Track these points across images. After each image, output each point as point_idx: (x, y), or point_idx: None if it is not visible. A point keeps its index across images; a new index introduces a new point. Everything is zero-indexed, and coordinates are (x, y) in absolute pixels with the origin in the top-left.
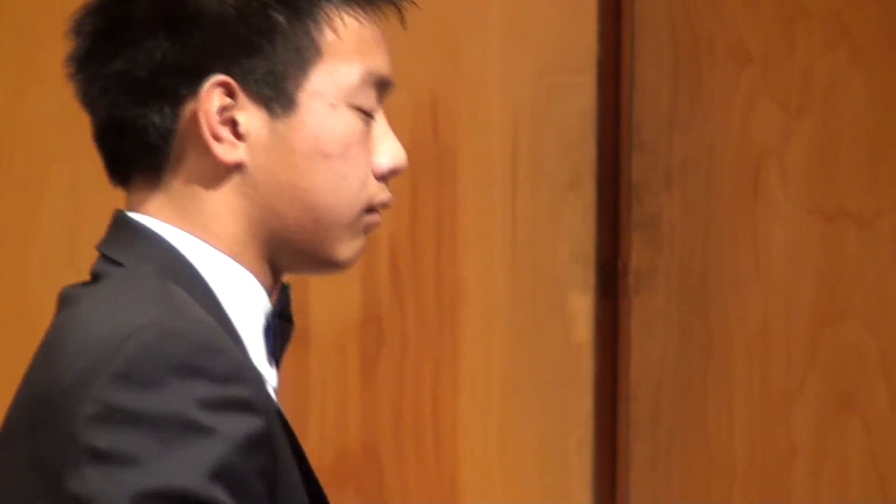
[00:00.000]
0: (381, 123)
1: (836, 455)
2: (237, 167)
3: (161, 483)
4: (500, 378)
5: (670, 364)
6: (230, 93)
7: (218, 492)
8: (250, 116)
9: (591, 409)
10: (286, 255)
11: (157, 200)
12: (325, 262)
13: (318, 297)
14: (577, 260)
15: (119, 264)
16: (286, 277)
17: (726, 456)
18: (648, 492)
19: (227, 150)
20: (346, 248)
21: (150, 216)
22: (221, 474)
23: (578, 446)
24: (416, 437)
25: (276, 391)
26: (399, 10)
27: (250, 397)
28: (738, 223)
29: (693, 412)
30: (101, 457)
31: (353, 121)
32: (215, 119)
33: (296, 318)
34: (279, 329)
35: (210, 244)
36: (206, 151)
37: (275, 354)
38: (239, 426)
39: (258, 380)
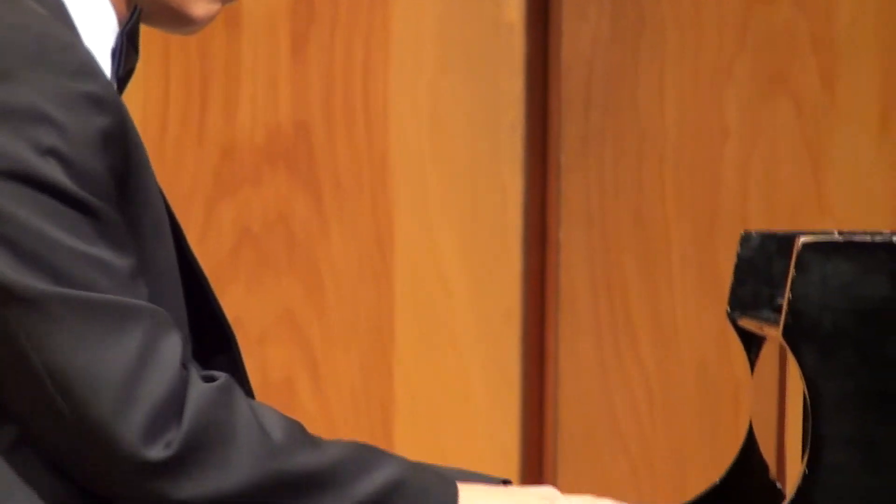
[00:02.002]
0: None
1: (767, 134)
2: None
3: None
4: (431, 57)
5: (602, 44)
6: None
7: (55, 171)
8: None
9: (521, 90)
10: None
11: None
12: (177, 17)
13: None
14: None
15: None
16: None
17: (657, 136)
18: (580, 173)
19: None
20: (200, 7)
21: None
22: (62, 159)
23: (510, 127)
24: (346, 115)
25: None
26: None
27: (102, 94)
28: None
29: (624, 92)
30: None
31: None
32: None
33: None
34: (125, 54)
35: None
36: None
37: (118, 78)
38: (88, 123)
39: (108, 79)
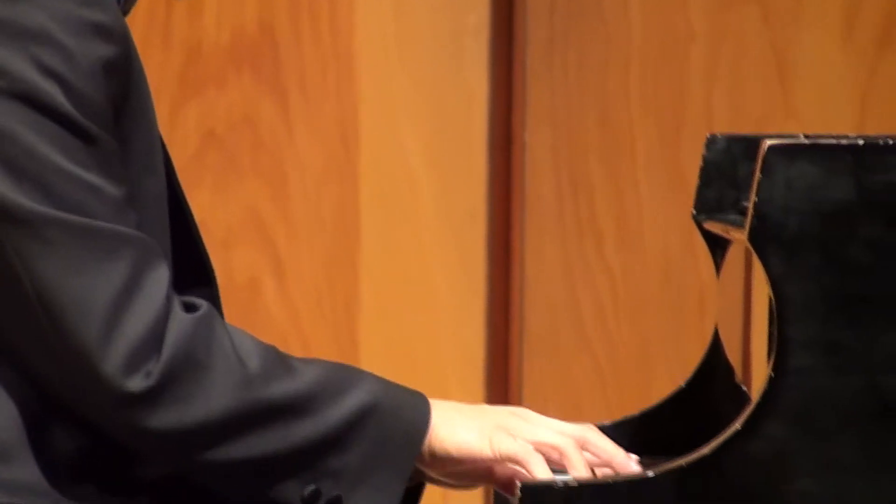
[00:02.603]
0: None
1: (733, 38)
2: None
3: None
4: None
5: None
6: None
7: (56, 93)
8: None
9: None
10: None
11: None
12: None
13: None
14: None
15: None
16: None
17: (623, 39)
18: (545, 75)
19: None
20: None
21: None
22: (64, 83)
23: (475, 30)
24: (312, 16)
25: None
26: None
27: (110, 24)
28: None
29: None
30: None
31: None
32: None
33: None
34: None
35: None
36: None
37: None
38: (93, 51)
39: (117, 9)
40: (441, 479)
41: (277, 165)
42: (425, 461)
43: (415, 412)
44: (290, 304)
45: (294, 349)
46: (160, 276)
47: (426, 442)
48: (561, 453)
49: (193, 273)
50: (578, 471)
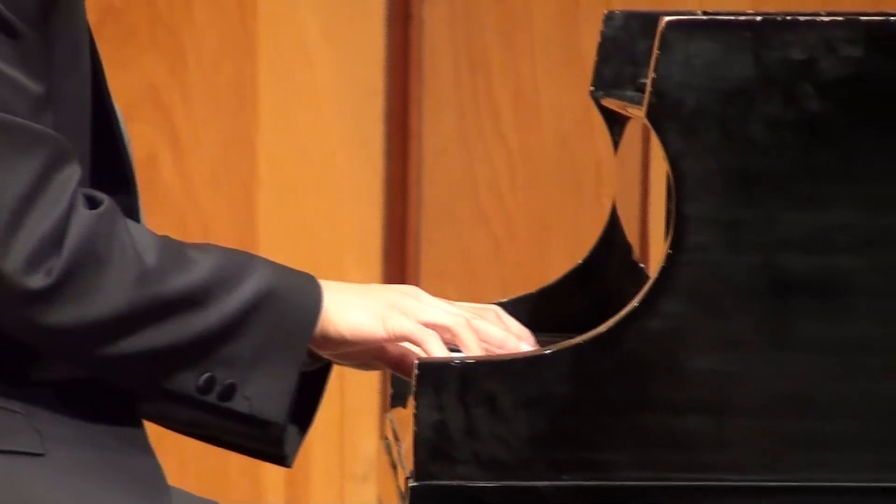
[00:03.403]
0: None
1: None
2: None
3: None
4: None
5: None
6: None
7: None
8: None
9: None
10: None
11: None
12: None
13: None
14: None
15: None
16: None
17: None
18: None
19: None
20: None
21: None
22: None
23: None
24: None
25: None
26: None
27: None
28: None
29: None
30: None
31: None
32: None
33: None
34: None
35: None
36: None
37: None
38: None
39: None
40: (336, 360)
41: (176, 40)
42: (318, 343)
43: (306, 297)
44: (188, 181)
45: (193, 229)
46: (69, 176)
47: (318, 325)
48: (453, 333)
49: (114, 181)
50: (472, 350)
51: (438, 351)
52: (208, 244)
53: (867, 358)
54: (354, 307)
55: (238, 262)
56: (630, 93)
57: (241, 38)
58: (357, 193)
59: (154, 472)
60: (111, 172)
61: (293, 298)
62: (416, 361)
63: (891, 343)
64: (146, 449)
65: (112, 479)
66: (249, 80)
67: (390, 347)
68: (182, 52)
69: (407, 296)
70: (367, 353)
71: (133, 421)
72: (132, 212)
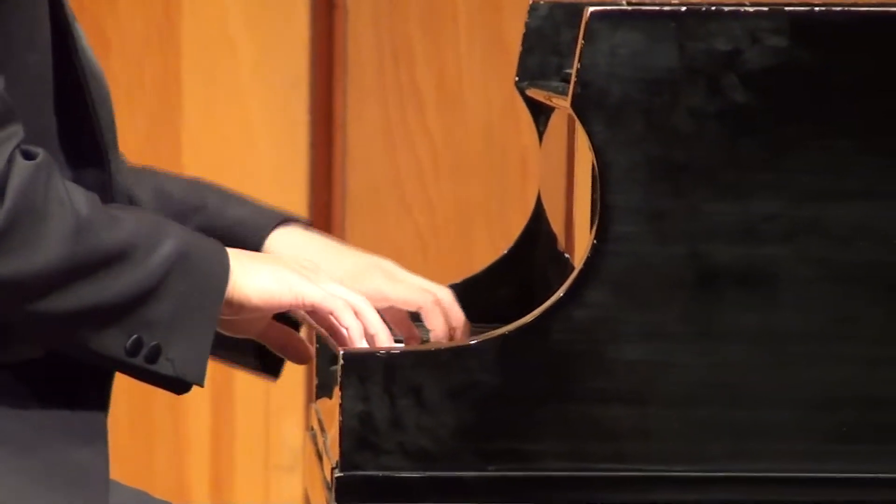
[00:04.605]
0: None
1: None
2: None
3: None
4: None
5: None
6: None
7: None
8: None
9: None
10: None
11: None
12: None
13: None
14: None
15: None
16: None
17: None
18: None
19: None
20: None
21: None
22: None
23: None
24: None
25: None
26: None
27: None
28: None
29: None
30: None
31: None
32: None
33: None
34: None
35: None
36: None
37: None
38: None
39: None
40: (234, 332)
41: (99, 30)
42: (232, 310)
43: (215, 261)
44: None
45: None
46: (9, 134)
47: (228, 289)
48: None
49: (86, 154)
50: (353, 332)
51: (348, 319)
52: (126, 205)
53: (792, 348)
54: (261, 272)
55: (155, 223)
56: (555, 83)
57: (164, 27)
58: (282, 183)
59: (97, 469)
60: (82, 147)
61: (205, 261)
62: (340, 351)
63: (815, 333)
64: (96, 439)
65: (50, 478)
66: (173, 69)
67: (274, 330)
68: (106, 41)
69: (305, 268)
70: (260, 326)
71: (88, 404)
72: (105, 187)
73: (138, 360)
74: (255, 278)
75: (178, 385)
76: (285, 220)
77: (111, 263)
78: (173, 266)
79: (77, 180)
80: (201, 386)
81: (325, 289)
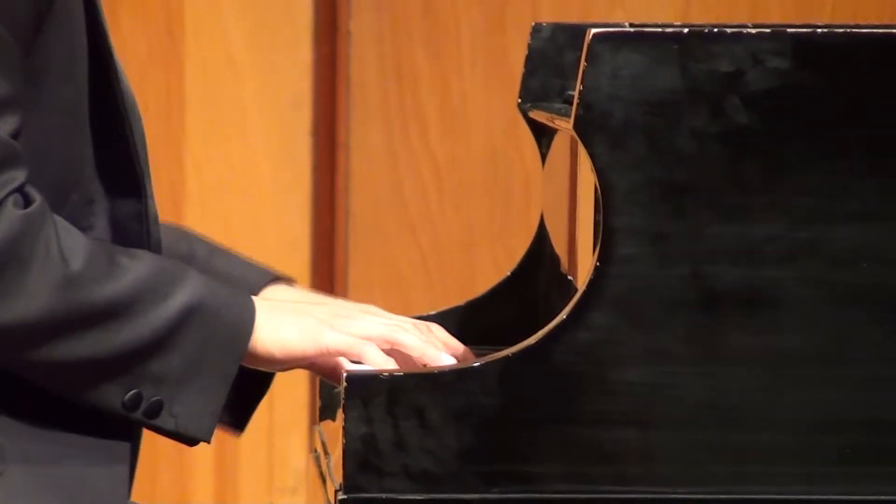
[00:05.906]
0: None
1: None
2: None
3: None
4: None
5: None
6: None
7: None
8: None
9: None
10: None
11: None
12: None
13: None
14: None
15: None
16: None
17: None
18: None
19: None
20: None
21: None
22: None
23: None
24: None
25: None
26: None
27: None
28: None
29: None
30: None
31: None
32: None
33: None
34: None
35: None
36: None
37: None
38: None
39: None
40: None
41: None
42: (247, 361)
43: (238, 314)
44: None
45: None
46: (7, 180)
47: (250, 344)
48: (390, 342)
49: (124, 184)
50: (413, 351)
51: (377, 358)
52: (143, 252)
53: (794, 370)
54: (285, 325)
55: (169, 273)
56: (557, 105)
57: (167, 49)
58: (285, 205)
59: (115, 494)
60: (119, 178)
61: (224, 315)
62: (344, 374)
63: (817, 354)
64: (118, 461)
65: (71, 501)
66: (176, 91)
67: (321, 361)
68: None
69: (339, 313)
70: (299, 367)
71: (111, 428)
72: (140, 217)
73: (137, 415)
74: (278, 331)
75: (183, 439)
76: (275, 278)
77: (105, 317)
78: (184, 319)
79: (113, 210)
80: (207, 443)
81: (353, 332)
